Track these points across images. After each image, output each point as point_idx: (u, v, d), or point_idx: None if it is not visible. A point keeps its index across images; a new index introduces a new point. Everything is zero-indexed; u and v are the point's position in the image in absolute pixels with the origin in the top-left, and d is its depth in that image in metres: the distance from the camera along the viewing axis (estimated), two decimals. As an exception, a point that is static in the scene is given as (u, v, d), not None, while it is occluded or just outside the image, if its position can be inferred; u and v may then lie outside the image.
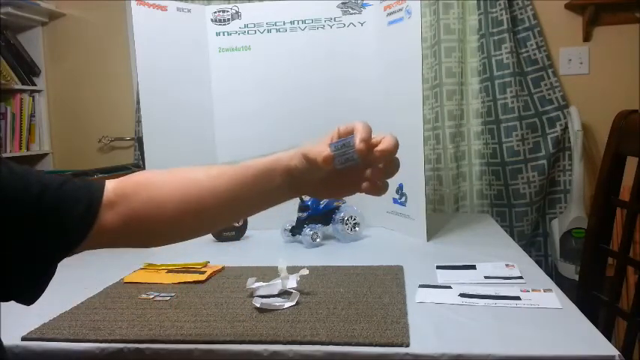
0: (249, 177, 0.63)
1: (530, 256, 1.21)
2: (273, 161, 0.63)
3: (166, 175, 0.67)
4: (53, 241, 0.61)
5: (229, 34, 1.56)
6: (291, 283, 0.95)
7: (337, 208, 1.40)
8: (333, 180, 0.63)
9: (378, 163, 0.61)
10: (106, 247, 0.67)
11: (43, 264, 0.63)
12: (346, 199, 1.42)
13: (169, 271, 1.15)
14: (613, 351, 0.68)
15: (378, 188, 0.62)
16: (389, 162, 0.61)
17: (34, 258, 0.61)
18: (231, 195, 0.64)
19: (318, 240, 1.36)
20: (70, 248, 0.64)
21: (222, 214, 0.67)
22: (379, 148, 0.58)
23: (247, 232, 1.49)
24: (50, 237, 0.61)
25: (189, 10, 1.53)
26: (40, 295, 0.63)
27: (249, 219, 1.47)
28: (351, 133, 0.59)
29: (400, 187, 1.45)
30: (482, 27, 1.88)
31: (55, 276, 0.65)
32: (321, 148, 0.58)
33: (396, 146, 0.60)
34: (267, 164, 0.63)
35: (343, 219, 1.38)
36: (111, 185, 0.65)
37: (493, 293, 0.91)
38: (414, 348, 0.73)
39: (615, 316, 1.13)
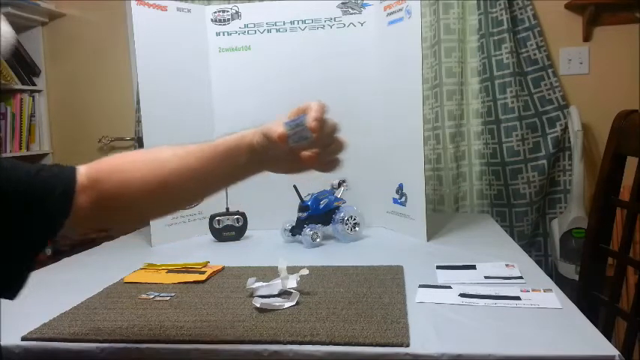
0: (217, 155, 0.66)
1: (530, 256, 1.21)
2: (238, 139, 0.66)
3: (135, 157, 0.71)
4: (30, 233, 0.62)
5: (229, 34, 1.56)
6: (291, 283, 0.95)
7: (337, 208, 1.40)
8: (292, 156, 0.65)
9: (329, 141, 0.62)
10: (81, 229, 0.71)
11: (24, 256, 0.64)
12: (346, 199, 1.42)
13: (169, 271, 1.15)
14: (613, 351, 0.68)
15: (323, 164, 0.64)
16: (320, 133, 0.61)
17: (14, 252, 0.62)
18: (199, 173, 0.67)
19: (318, 240, 1.36)
20: (48, 237, 0.66)
21: (191, 191, 0.71)
22: (312, 116, 0.59)
23: (247, 232, 1.49)
24: (27, 229, 0.62)
25: (189, 10, 1.53)
26: (21, 290, 0.65)
27: (249, 219, 1.47)
28: (306, 112, 0.61)
29: (400, 187, 1.45)
30: (482, 27, 1.88)
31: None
32: (277, 126, 0.61)
33: (322, 109, 0.62)
34: (233, 142, 0.66)
35: (343, 219, 1.38)
36: (83, 170, 0.68)
37: (493, 293, 0.91)
38: (414, 348, 0.72)
39: (615, 316, 1.13)
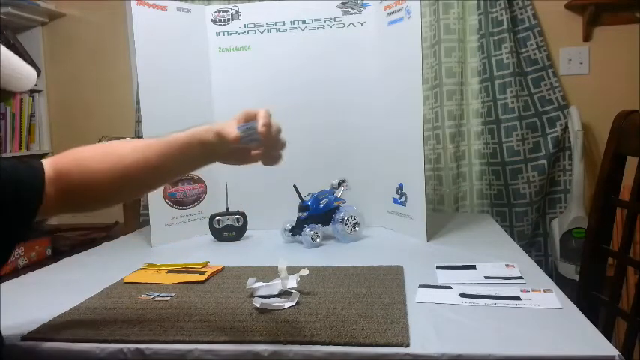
0: (172, 149, 0.75)
1: (530, 256, 1.21)
2: (191, 136, 0.75)
3: (96, 150, 0.78)
4: (9, 225, 0.69)
5: (229, 34, 1.56)
6: (291, 283, 0.95)
7: (337, 208, 1.40)
8: (241, 152, 0.76)
9: (275, 142, 0.74)
10: (49, 217, 0.79)
11: (3, 246, 0.72)
12: (346, 199, 1.42)
13: (169, 271, 1.15)
14: (613, 351, 0.68)
15: (268, 159, 0.75)
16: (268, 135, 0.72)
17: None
18: (156, 164, 0.76)
19: (318, 240, 1.36)
20: (24, 227, 0.73)
21: (150, 180, 0.80)
22: (260, 123, 0.70)
23: (247, 232, 1.49)
24: (5, 222, 0.68)
25: (189, 10, 1.53)
26: None
27: (249, 219, 1.48)
28: (254, 117, 0.72)
29: (400, 187, 1.45)
30: (482, 27, 1.88)
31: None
32: (231, 129, 0.72)
33: (269, 116, 0.73)
34: (187, 138, 0.75)
35: (343, 219, 1.38)
36: (47, 164, 0.76)
37: (493, 293, 0.91)
38: (414, 348, 0.72)
39: (615, 316, 1.13)
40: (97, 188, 0.76)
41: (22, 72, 0.69)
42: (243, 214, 1.47)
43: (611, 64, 1.92)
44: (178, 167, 0.80)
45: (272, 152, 0.75)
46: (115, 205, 0.85)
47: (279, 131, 0.75)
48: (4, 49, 0.67)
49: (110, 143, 0.80)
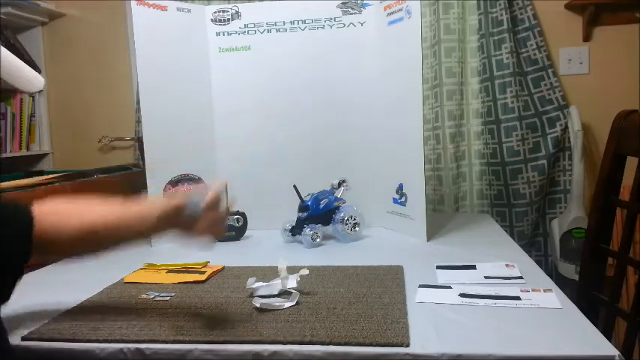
0: (130, 217, 0.84)
1: (530, 256, 1.21)
2: (146, 207, 0.86)
3: (68, 207, 0.85)
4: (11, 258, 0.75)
5: (229, 34, 1.56)
6: (291, 283, 0.95)
7: (337, 208, 1.40)
8: (186, 223, 0.84)
9: (219, 217, 0.85)
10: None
11: (10, 279, 0.77)
12: (346, 199, 1.42)
13: (169, 271, 1.15)
14: (613, 351, 0.68)
15: (210, 233, 0.85)
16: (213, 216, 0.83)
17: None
18: (116, 226, 0.84)
19: (318, 240, 1.36)
20: (22, 266, 0.79)
21: (110, 240, 0.87)
22: (206, 198, 0.82)
23: (247, 232, 1.49)
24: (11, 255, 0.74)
25: (189, 10, 1.53)
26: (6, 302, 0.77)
27: (249, 219, 1.47)
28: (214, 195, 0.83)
29: (400, 187, 1.45)
30: (482, 27, 1.88)
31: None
32: (177, 198, 0.83)
33: (217, 196, 0.83)
34: (140, 212, 0.85)
35: (343, 219, 1.38)
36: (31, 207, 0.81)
37: (493, 293, 0.91)
38: (414, 348, 0.73)
39: (615, 316, 1.13)
40: (64, 238, 0.81)
41: (29, 74, 0.71)
42: (243, 214, 1.47)
43: (611, 64, 1.92)
44: (133, 233, 0.86)
45: (212, 228, 0.84)
46: (78, 258, 0.92)
47: (225, 213, 0.86)
48: (9, 53, 0.69)
49: (80, 201, 0.86)
